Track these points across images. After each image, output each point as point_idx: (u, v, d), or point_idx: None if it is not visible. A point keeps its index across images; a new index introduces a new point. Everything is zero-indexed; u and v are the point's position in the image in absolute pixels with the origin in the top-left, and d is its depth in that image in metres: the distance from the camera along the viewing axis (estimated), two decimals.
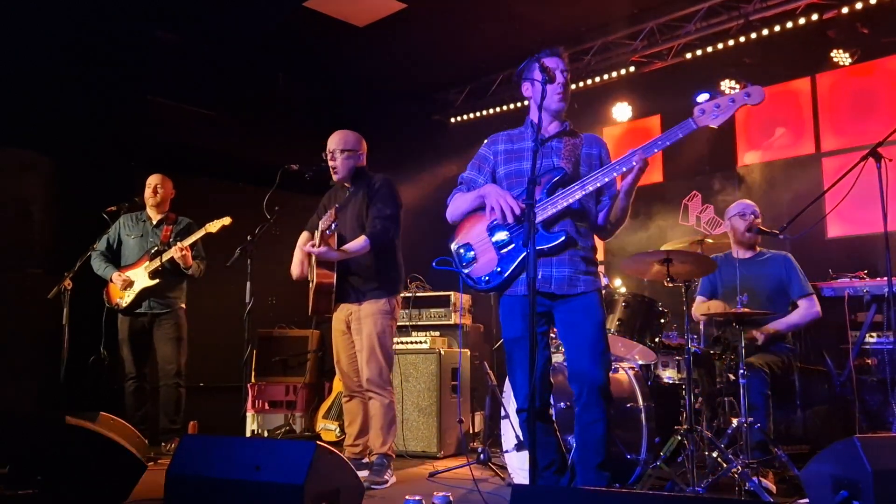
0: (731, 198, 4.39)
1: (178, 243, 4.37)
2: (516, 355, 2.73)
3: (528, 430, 2.58)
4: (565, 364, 3.57)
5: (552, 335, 3.08)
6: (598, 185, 2.60)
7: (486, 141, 2.96)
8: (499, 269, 2.71)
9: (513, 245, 2.70)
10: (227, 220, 4.37)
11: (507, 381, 3.95)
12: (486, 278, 2.74)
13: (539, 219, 2.62)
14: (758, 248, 4.07)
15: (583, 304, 2.67)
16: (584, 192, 2.60)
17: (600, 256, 2.95)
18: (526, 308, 2.46)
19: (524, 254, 2.64)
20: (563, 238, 2.63)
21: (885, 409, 3.74)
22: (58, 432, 2.77)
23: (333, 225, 3.51)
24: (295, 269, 3.84)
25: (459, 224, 2.89)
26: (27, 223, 4.81)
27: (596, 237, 2.85)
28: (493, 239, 2.75)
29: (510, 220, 2.66)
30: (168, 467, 2.61)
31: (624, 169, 2.58)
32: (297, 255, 3.85)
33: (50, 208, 4.84)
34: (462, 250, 2.82)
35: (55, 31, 4.90)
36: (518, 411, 2.77)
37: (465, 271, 2.80)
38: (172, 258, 4.38)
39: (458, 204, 2.89)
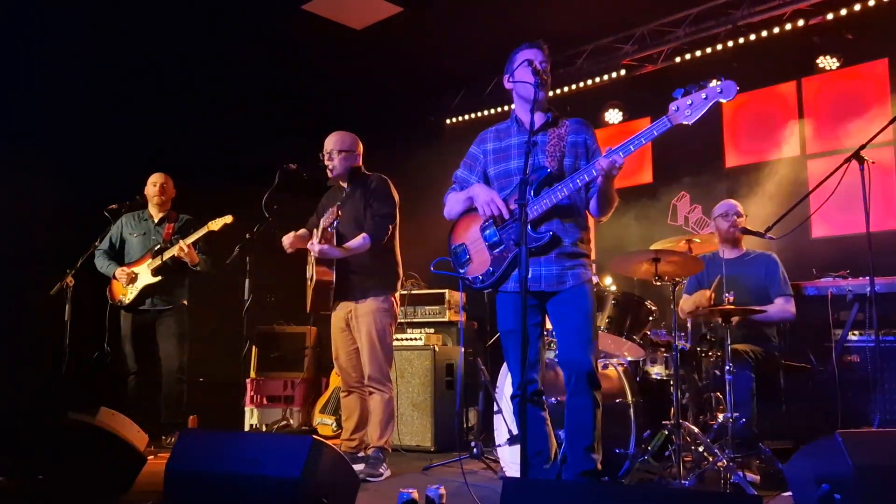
0: (719, 198, 4.46)
1: (181, 241, 4.44)
2: (510, 346, 2.85)
3: (519, 414, 2.66)
4: (556, 360, 3.66)
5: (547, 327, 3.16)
6: (580, 184, 2.65)
7: (476, 139, 3.02)
8: (491, 270, 2.81)
9: (503, 245, 2.78)
10: (228, 219, 4.44)
11: (499, 377, 4.03)
12: (481, 278, 2.84)
13: (527, 219, 2.67)
14: (744, 248, 4.15)
15: (572, 295, 2.74)
16: (567, 191, 2.66)
17: (591, 256, 3.01)
18: (518, 302, 2.54)
19: (514, 254, 2.73)
20: (548, 238, 2.70)
21: (867, 406, 3.80)
22: (60, 426, 2.84)
23: (335, 222, 3.58)
24: (286, 242, 3.81)
25: (457, 223, 2.97)
26: (30, 220, 4.86)
27: (591, 217, 2.91)
28: (486, 240, 2.84)
29: (498, 220, 2.75)
30: (167, 461, 2.67)
31: (594, 173, 2.60)
32: (289, 238, 3.85)
33: (52, 206, 4.90)
34: (459, 251, 2.93)
35: (58, 31, 4.95)
36: (512, 397, 2.88)
37: (462, 271, 2.90)
38: (175, 256, 4.45)
39: (451, 204, 2.99)
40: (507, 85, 2.88)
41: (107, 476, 2.87)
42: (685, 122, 2.48)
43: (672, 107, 2.49)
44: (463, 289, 2.96)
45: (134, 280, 4.54)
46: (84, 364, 4.42)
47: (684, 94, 2.48)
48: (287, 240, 3.85)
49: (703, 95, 2.46)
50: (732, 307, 3.51)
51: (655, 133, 2.52)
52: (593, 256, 4.00)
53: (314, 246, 3.60)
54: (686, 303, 4.09)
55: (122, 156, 5.21)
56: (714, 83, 2.47)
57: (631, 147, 2.55)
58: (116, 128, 5.29)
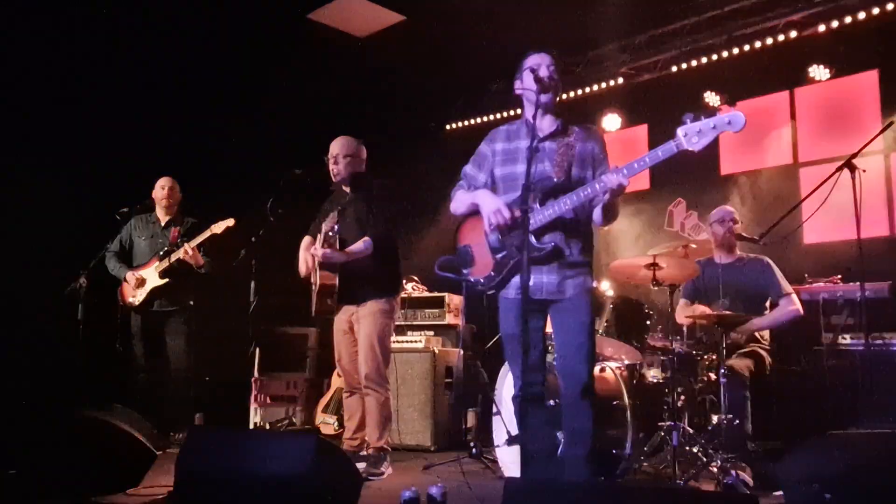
0: (714, 205, 4.54)
1: (186, 245, 4.52)
2: (512, 349, 2.88)
3: (520, 416, 2.70)
4: (554, 363, 3.74)
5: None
6: (585, 199, 2.66)
7: (487, 136, 3.02)
8: (492, 274, 2.83)
9: (506, 251, 2.80)
10: (230, 222, 4.51)
11: (498, 379, 4.10)
12: (483, 281, 2.87)
13: (530, 228, 2.67)
14: (738, 253, 4.21)
15: (572, 305, 2.77)
16: (571, 204, 2.67)
17: (593, 264, 3.04)
18: (519, 308, 2.55)
19: (515, 260, 2.75)
20: (550, 248, 2.72)
21: (857, 407, 3.87)
22: (74, 422, 2.91)
23: (336, 227, 3.64)
24: (302, 268, 3.93)
25: (463, 224, 2.99)
26: (44, 222, 4.93)
27: (595, 223, 2.90)
28: (490, 244, 2.86)
29: (502, 228, 2.76)
30: (178, 457, 2.74)
31: (597, 189, 2.62)
32: (302, 255, 3.96)
33: (66, 208, 4.97)
34: (463, 252, 2.95)
35: (69, 37, 5.02)
36: (513, 398, 2.91)
37: (465, 272, 2.92)
38: (180, 259, 4.54)
39: (457, 202, 3.00)
40: (517, 91, 2.89)
41: (118, 470, 2.94)
42: (692, 150, 2.48)
43: (680, 132, 2.49)
44: (466, 290, 2.99)
45: (143, 283, 4.62)
46: (97, 362, 4.49)
47: (694, 120, 2.48)
48: (302, 263, 3.89)
49: (712, 125, 2.46)
50: (729, 313, 3.59)
51: (661, 156, 2.53)
52: None
53: (317, 251, 3.66)
54: (684, 309, 4.15)
55: (132, 159, 5.28)
56: (723, 113, 2.47)
57: (636, 166, 2.56)
58: (127, 131, 5.36)
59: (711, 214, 4.28)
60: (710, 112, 2.49)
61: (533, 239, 2.71)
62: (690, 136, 2.48)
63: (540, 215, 2.72)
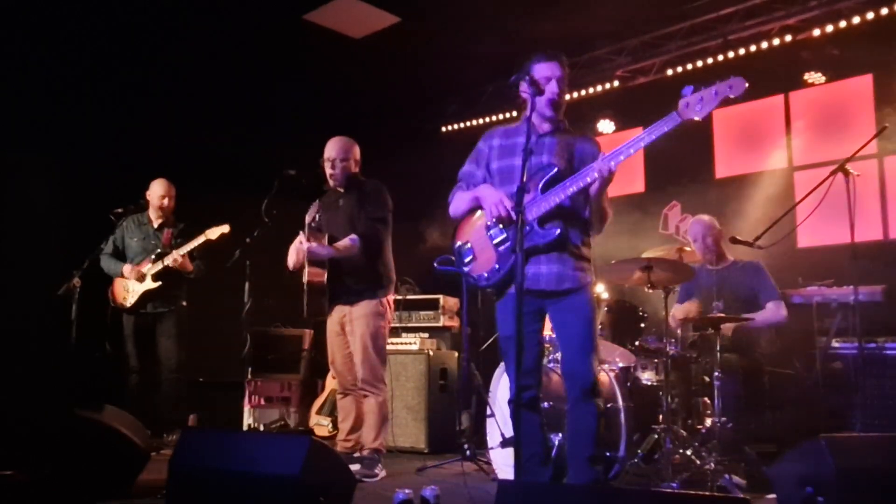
0: (709, 208, 4.54)
1: (174, 252, 4.49)
2: (510, 352, 2.82)
3: (514, 419, 2.67)
4: (550, 366, 3.74)
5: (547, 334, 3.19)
6: (589, 180, 2.62)
7: (483, 135, 3.00)
8: (497, 267, 2.76)
9: (509, 242, 2.72)
10: (225, 228, 4.49)
11: (492, 381, 4.10)
12: (486, 275, 2.80)
13: (534, 215, 2.68)
14: (731, 258, 4.20)
15: (572, 303, 2.73)
16: (576, 188, 2.63)
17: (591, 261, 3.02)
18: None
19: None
20: (557, 234, 2.66)
21: (850, 411, 3.90)
22: (67, 423, 2.89)
23: (317, 216, 3.63)
24: (290, 259, 3.87)
25: (461, 222, 2.95)
26: (39, 223, 4.93)
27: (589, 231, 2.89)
28: (492, 237, 2.80)
29: (504, 220, 2.72)
30: (171, 458, 2.71)
31: (595, 174, 2.60)
32: (292, 249, 3.90)
33: (60, 209, 4.96)
34: (463, 249, 2.90)
35: (65, 37, 5.02)
36: (509, 402, 2.89)
37: (466, 269, 2.86)
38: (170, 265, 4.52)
39: (457, 202, 2.96)
40: (523, 94, 2.81)
41: (111, 471, 2.93)
42: (696, 118, 2.44)
43: (682, 103, 2.46)
44: (466, 287, 2.89)
45: (142, 279, 4.59)
46: (89, 362, 4.48)
47: (694, 91, 2.45)
48: (291, 255, 3.87)
49: (714, 91, 2.42)
50: (724, 315, 3.60)
51: (665, 128, 2.49)
52: None
53: (303, 245, 3.66)
54: (678, 311, 4.15)
55: (127, 159, 5.28)
56: (722, 80, 2.44)
57: (641, 143, 2.53)
58: (121, 131, 5.36)
59: (688, 232, 4.26)
60: (711, 83, 2.45)
61: (537, 226, 2.69)
62: (693, 105, 2.45)
63: (543, 202, 2.69)
